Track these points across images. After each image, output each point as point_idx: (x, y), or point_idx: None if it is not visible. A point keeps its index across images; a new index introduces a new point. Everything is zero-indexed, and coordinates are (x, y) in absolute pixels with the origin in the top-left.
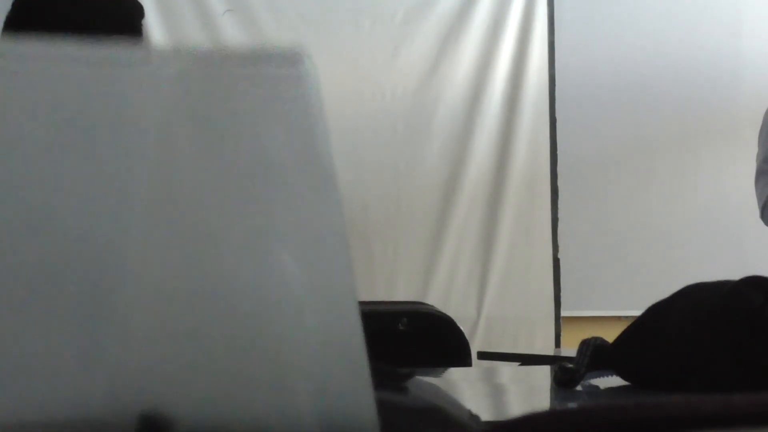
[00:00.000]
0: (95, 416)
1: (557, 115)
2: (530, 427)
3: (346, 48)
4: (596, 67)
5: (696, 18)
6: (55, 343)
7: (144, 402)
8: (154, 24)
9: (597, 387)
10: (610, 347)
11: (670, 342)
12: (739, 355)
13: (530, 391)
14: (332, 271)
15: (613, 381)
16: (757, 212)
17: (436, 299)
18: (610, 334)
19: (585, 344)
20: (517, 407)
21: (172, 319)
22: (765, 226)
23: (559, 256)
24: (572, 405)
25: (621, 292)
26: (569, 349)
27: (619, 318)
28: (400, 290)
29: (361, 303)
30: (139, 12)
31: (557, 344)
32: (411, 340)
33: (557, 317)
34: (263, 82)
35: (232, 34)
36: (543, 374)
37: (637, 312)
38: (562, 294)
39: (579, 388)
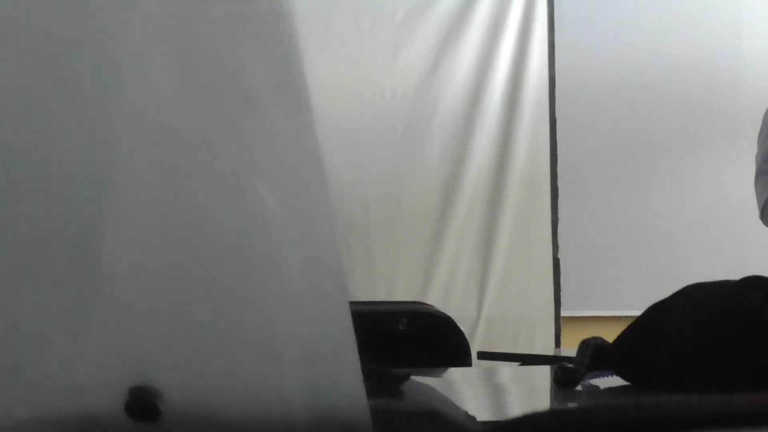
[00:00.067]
0: (86, 390)
1: (557, 115)
2: (530, 427)
3: (346, 48)
4: (596, 67)
5: (696, 18)
6: (44, 315)
7: (133, 375)
8: None
9: (597, 387)
10: (610, 347)
11: (670, 342)
12: (739, 355)
13: (530, 391)
14: (310, 207)
15: (613, 381)
16: (757, 212)
17: (436, 299)
18: (610, 334)
19: (585, 344)
20: (517, 407)
21: (156, 275)
22: (765, 227)
23: (559, 256)
24: (572, 405)
25: (621, 292)
26: (569, 349)
27: (619, 318)
28: (400, 290)
29: (361, 303)
30: None
31: (557, 344)
32: (411, 340)
33: (557, 317)
34: (243, 17)
35: None
36: (543, 374)
37: (637, 312)
38: (562, 294)
39: (579, 388)
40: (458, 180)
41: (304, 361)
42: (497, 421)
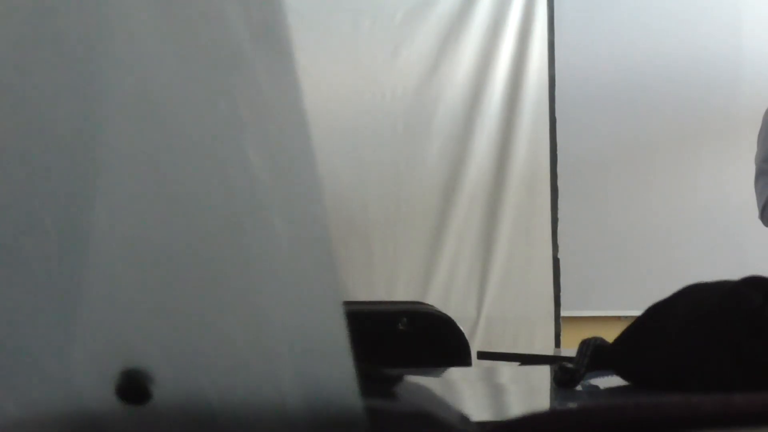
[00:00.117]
0: (77, 377)
1: (557, 115)
2: (530, 427)
3: (346, 48)
4: (596, 67)
5: (696, 18)
6: (33, 301)
7: (124, 358)
8: None
9: (597, 387)
10: (610, 347)
11: (670, 342)
12: (739, 355)
13: (530, 391)
14: (297, 168)
15: (613, 381)
16: (756, 212)
17: (436, 299)
18: (610, 334)
19: (585, 344)
20: (517, 407)
21: (144, 248)
22: (765, 227)
23: (559, 256)
24: (572, 405)
25: (621, 292)
26: (569, 349)
27: (619, 318)
28: (400, 290)
29: (361, 303)
30: None
31: (557, 344)
32: (411, 340)
33: (557, 317)
34: None
35: None
36: (543, 374)
37: (637, 312)
38: (561, 294)
39: (579, 388)
40: (458, 180)
41: (294, 330)
42: (497, 421)
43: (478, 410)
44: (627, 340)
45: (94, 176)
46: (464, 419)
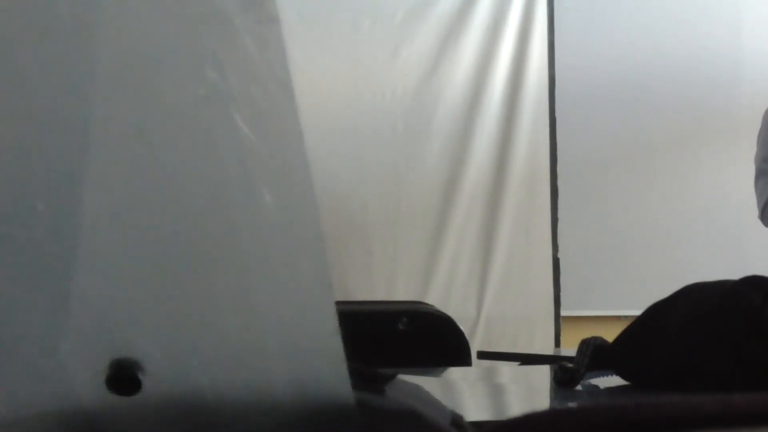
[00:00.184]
0: (67, 369)
1: (557, 115)
2: (530, 427)
3: (346, 48)
4: (596, 67)
5: (696, 18)
6: (22, 293)
7: (114, 347)
8: None
9: (597, 387)
10: (610, 347)
11: (670, 342)
12: (739, 355)
13: (530, 391)
14: (285, 138)
15: (613, 381)
16: (756, 212)
17: (436, 299)
18: (610, 334)
19: (585, 344)
20: (517, 407)
21: (132, 222)
22: (765, 227)
23: (559, 255)
24: (572, 405)
25: (621, 292)
26: (569, 348)
27: (619, 318)
28: (400, 290)
29: (361, 303)
30: None
31: (557, 344)
32: (411, 339)
33: (557, 317)
34: None
35: None
36: (543, 374)
37: (637, 312)
38: (561, 294)
39: (579, 387)
40: (458, 180)
41: (284, 317)
42: (497, 421)
43: (478, 410)
44: (627, 339)
45: (84, 154)
46: (456, 419)
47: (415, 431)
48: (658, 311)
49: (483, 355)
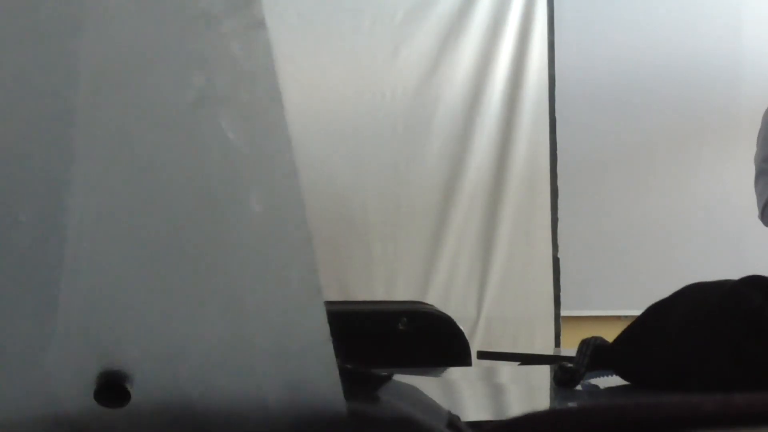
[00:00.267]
0: (54, 380)
1: (557, 115)
2: (530, 427)
3: (346, 48)
4: (596, 67)
5: (696, 18)
6: (8, 301)
7: (101, 358)
8: None
9: (597, 387)
10: (610, 347)
11: (670, 342)
12: (739, 355)
13: (530, 391)
14: (273, 144)
15: (613, 381)
16: (756, 212)
17: (436, 299)
18: (610, 334)
19: (585, 344)
20: (517, 407)
21: (119, 230)
22: (765, 226)
23: (559, 255)
24: (572, 405)
25: (621, 292)
26: (569, 348)
27: (619, 318)
28: (400, 290)
29: (361, 303)
30: None
31: (557, 344)
32: (411, 339)
33: (557, 317)
34: None
35: None
36: (543, 374)
37: (637, 312)
38: (561, 294)
39: (579, 387)
40: (458, 180)
41: (273, 321)
42: (497, 421)
43: (477, 410)
44: (627, 339)
45: (68, 161)
46: (453, 420)
47: None
48: (658, 311)
49: (483, 355)
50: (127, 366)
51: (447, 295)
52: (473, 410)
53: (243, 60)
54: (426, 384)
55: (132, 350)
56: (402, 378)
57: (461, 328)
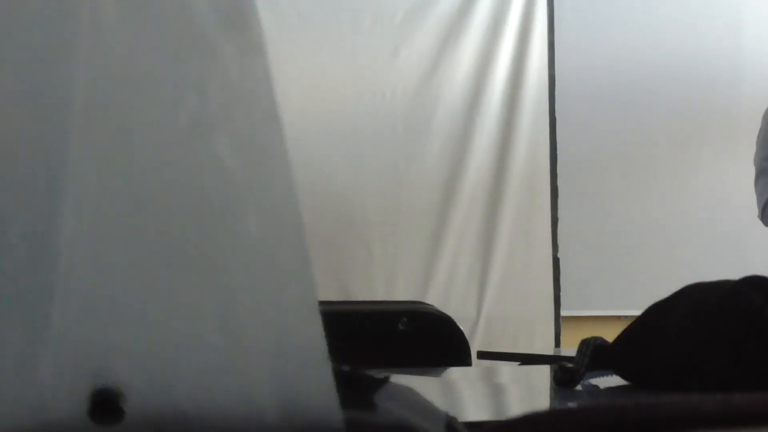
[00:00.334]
0: (46, 397)
1: (557, 115)
2: (530, 427)
3: (346, 48)
4: (596, 67)
5: (696, 18)
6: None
7: (95, 375)
8: None
9: (597, 387)
10: (610, 347)
11: (670, 342)
12: (739, 355)
13: (530, 391)
14: (270, 165)
15: (613, 381)
16: (756, 212)
17: (436, 299)
18: (610, 334)
19: (585, 344)
20: (517, 407)
21: (112, 251)
22: (765, 226)
23: (559, 255)
24: (572, 405)
25: (621, 292)
26: (569, 348)
27: (619, 318)
28: (400, 290)
29: (361, 303)
30: None
31: (557, 344)
32: (411, 339)
33: (557, 317)
34: None
35: None
36: (543, 374)
37: (637, 312)
38: (561, 294)
39: (579, 387)
40: (458, 180)
41: (270, 337)
42: (497, 421)
43: (477, 410)
44: (627, 339)
45: (63, 182)
46: (451, 422)
47: None
48: (658, 311)
49: (483, 355)
50: (122, 384)
51: (447, 295)
52: (473, 410)
53: (240, 84)
54: (426, 384)
55: (126, 368)
56: (401, 378)
57: (461, 328)
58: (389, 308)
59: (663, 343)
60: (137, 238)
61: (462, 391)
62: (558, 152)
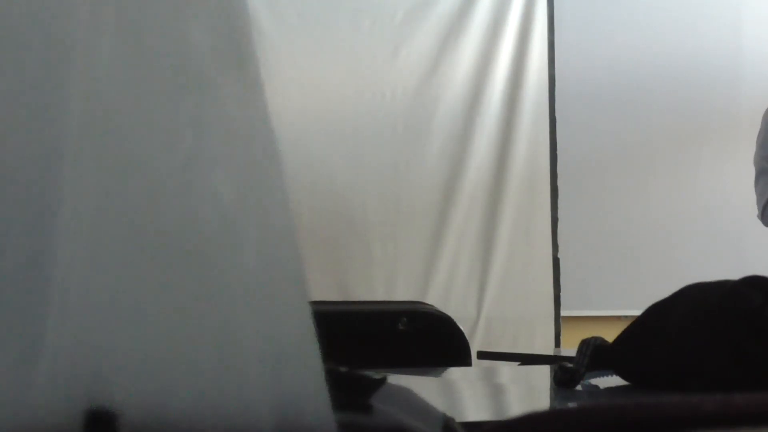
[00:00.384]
0: (40, 421)
1: (557, 115)
2: (530, 427)
3: (346, 48)
4: (596, 67)
5: (696, 18)
6: None
7: (89, 394)
8: None
9: (597, 387)
10: (610, 347)
11: (670, 342)
12: (739, 355)
13: (530, 391)
14: (268, 200)
15: (613, 381)
16: (756, 212)
17: (436, 299)
18: (610, 334)
19: (585, 344)
20: (517, 407)
21: (108, 282)
22: (765, 226)
23: (559, 255)
24: (572, 405)
25: (621, 292)
26: (569, 348)
27: (619, 318)
28: (400, 290)
29: (361, 303)
30: None
31: (557, 344)
32: (411, 339)
33: (557, 317)
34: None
35: None
36: (543, 374)
37: (637, 312)
38: (561, 294)
39: (579, 388)
40: (458, 180)
41: (266, 362)
42: (497, 421)
43: (477, 410)
44: (627, 340)
45: (55, 218)
46: (448, 422)
47: None
48: (658, 311)
49: (483, 355)
50: (116, 405)
51: (447, 295)
52: (473, 410)
53: (238, 120)
54: (426, 384)
55: (120, 389)
56: (400, 379)
57: (461, 328)
58: (389, 308)
59: (663, 343)
60: (133, 268)
61: (462, 391)
62: (558, 152)
